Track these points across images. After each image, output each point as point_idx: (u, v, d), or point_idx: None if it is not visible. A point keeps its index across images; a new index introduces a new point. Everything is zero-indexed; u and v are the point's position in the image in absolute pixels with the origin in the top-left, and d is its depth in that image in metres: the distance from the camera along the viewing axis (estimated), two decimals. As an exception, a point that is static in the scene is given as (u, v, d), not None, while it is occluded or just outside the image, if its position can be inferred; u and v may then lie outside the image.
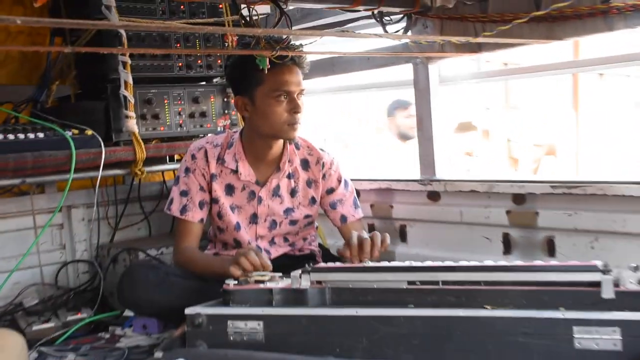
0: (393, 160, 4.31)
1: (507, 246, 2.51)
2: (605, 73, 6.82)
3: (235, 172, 2.40)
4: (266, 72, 2.21)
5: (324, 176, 2.47)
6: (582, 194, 2.26)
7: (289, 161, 2.42)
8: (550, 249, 2.39)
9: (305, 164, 2.47)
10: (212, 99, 2.98)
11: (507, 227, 2.51)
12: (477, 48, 2.40)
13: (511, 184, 2.46)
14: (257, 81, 2.27)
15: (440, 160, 2.72)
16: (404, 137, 4.38)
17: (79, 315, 2.58)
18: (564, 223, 2.33)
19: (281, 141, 2.38)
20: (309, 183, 2.47)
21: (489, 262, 1.85)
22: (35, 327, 2.46)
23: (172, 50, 2.83)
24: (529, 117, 8.50)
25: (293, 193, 2.45)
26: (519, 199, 2.46)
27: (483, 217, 2.56)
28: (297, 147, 2.47)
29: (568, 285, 1.66)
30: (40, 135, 2.51)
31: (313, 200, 2.48)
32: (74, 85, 2.95)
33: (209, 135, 2.51)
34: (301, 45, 2.25)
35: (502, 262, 1.85)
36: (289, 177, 2.45)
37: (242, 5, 2.06)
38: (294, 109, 2.25)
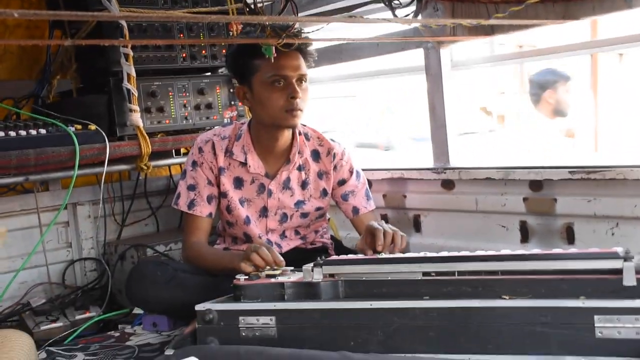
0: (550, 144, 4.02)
1: (525, 234, 2.51)
2: (625, 53, 6.76)
3: (244, 164, 2.41)
4: (263, 58, 2.22)
5: (335, 167, 2.48)
6: (602, 179, 2.26)
7: (299, 152, 2.43)
8: (569, 236, 2.39)
9: (315, 155, 2.48)
10: (217, 90, 2.99)
11: (524, 215, 2.51)
12: (490, 30, 2.39)
13: (528, 170, 2.45)
14: (254, 69, 2.28)
15: (453, 147, 2.72)
16: (559, 113, 4.11)
17: (87, 314, 2.61)
18: (583, 209, 2.33)
19: (288, 132, 2.39)
20: (320, 175, 2.48)
21: (506, 251, 1.85)
22: (43, 327, 2.49)
23: (175, 41, 2.84)
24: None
25: (304, 185, 2.46)
26: (536, 185, 2.45)
27: (499, 205, 2.56)
28: (307, 138, 2.48)
29: (588, 273, 1.65)
30: (43, 131, 2.53)
31: (324, 192, 2.49)
32: (76, 79, 2.97)
33: (216, 127, 2.52)
34: (306, 33, 2.25)
35: (520, 251, 1.84)
36: (299, 169, 2.45)
37: (246, -8, 2.07)
38: (291, 93, 2.25)
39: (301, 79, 2.29)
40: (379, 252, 2.05)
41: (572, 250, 1.84)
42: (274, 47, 2.12)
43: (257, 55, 2.25)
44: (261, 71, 2.27)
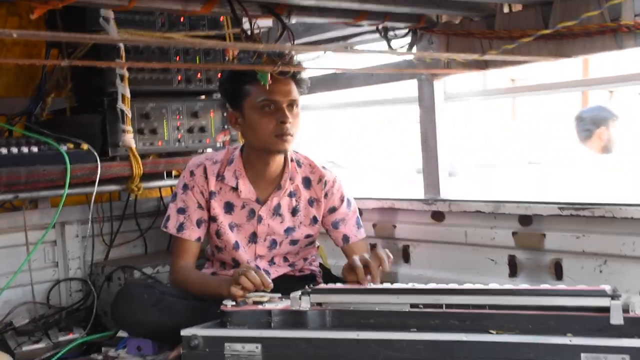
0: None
1: (513, 269, 2.52)
2: (615, 90, 6.85)
3: (235, 189, 2.42)
4: (254, 84, 2.24)
5: (325, 195, 2.49)
6: (591, 215, 2.27)
7: (290, 179, 2.44)
8: (557, 272, 2.40)
9: (307, 182, 2.49)
10: (211, 114, 3.01)
11: (513, 249, 2.52)
12: (484, 65, 2.43)
13: (517, 204, 2.47)
14: (245, 93, 2.31)
15: (444, 179, 2.74)
16: (607, 150, 4.08)
17: (71, 336, 2.58)
18: (572, 246, 2.34)
19: (280, 157, 2.40)
20: (310, 202, 2.49)
21: (494, 285, 1.86)
22: (25, 348, 2.46)
23: (171, 65, 2.86)
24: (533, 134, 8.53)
25: (294, 212, 2.47)
26: (525, 220, 2.47)
27: (489, 238, 2.57)
28: (299, 165, 2.49)
29: (576, 310, 1.67)
30: (35, 149, 2.52)
31: (315, 220, 2.49)
32: (70, 98, 2.97)
33: (209, 151, 2.53)
34: (300, 62, 2.28)
35: (508, 285, 1.86)
36: (290, 195, 2.46)
37: (244, 19, 2.10)
38: (281, 118, 2.26)
39: (292, 104, 2.30)
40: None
41: (560, 286, 1.86)
42: (269, 74, 2.14)
43: (249, 80, 2.28)
44: (252, 96, 2.29)
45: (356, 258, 2.11)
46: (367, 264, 2.07)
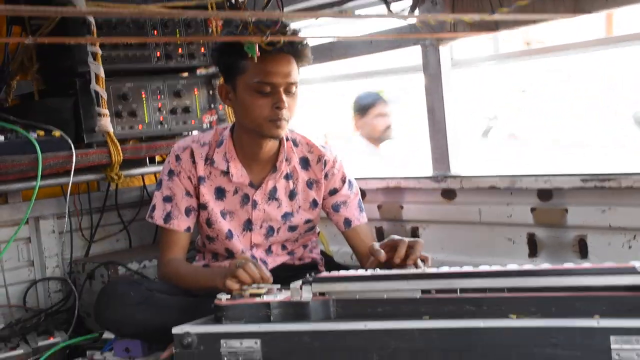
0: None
1: (533, 248, 2.53)
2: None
3: (226, 173, 2.42)
4: (251, 59, 2.23)
5: (326, 176, 2.50)
6: (617, 187, 2.28)
7: (286, 160, 2.44)
8: (581, 249, 2.41)
9: (304, 163, 2.49)
10: (195, 92, 3.00)
11: (532, 227, 2.53)
12: (494, 26, 2.42)
13: (535, 178, 2.47)
14: (240, 69, 2.29)
15: (454, 153, 2.74)
16: (379, 140, 4.26)
17: (51, 340, 2.60)
18: (597, 220, 2.35)
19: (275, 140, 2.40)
20: (309, 184, 2.49)
21: (512, 267, 1.87)
22: (1, 356, 2.47)
23: (148, 39, 2.85)
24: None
25: (292, 196, 2.47)
26: (545, 194, 2.47)
27: (505, 216, 2.58)
28: (296, 144, 2.49)
29: (603, 290, 1.67)
30: (0, 137, 2.52)
31: (314, 203, 2.50)
32: (37, 81, 2.96)
33: (195, 133, 2.53)
34: (296, 30, 2.26)
35: (528, 266, 1.86)
36: (286, 177, 2.46)
37: (227, -16, 2.09)
38: (277, 103, 2.25)
39: (290, 86, 2.28)
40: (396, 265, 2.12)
41: (585, 264, 1.86)
42: (257, 46, 2.13)
43: (244, 55, 2.25)
44: (247, 74, 2.27)
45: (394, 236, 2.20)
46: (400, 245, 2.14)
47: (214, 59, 2.45)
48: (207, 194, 2.43)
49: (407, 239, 2.18)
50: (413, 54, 2.88)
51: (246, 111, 2.30)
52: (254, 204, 2.44)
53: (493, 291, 1.76)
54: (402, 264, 2.14)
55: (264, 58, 2.20)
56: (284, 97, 2.25)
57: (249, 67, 2.26)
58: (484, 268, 1.87)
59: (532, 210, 2.51)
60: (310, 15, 2.52)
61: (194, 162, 2.42)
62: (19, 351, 2.51)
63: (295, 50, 2.28)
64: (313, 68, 3.29)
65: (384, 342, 1.67)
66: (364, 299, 1.83)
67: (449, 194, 2.75)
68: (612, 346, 1.52)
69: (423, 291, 1.81)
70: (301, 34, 2.34)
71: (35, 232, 3.06)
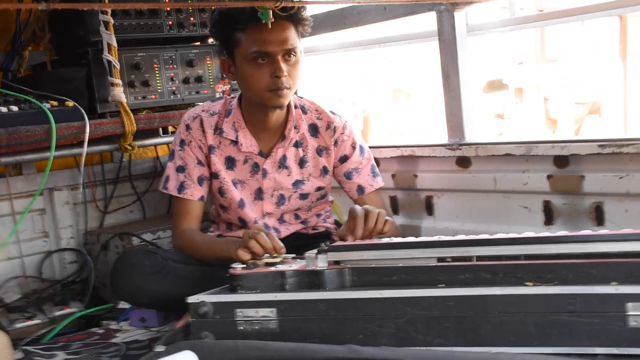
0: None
1: (549, 215, 2.51)
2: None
3: (236, 142, 2.41)
4: (245, 30, 2.21)
5: (335, 142, 2.48)
6: (635, 152, 2.24)
7: (295, 127, 2.43)
8: (598, 216, 2.39)
9: (314, 130, 2.47)
10: (208, 62, 2.99)
11: (548, 194, 2.50)
12: (509, -11, 2.38)
13: (552, 144, 2.44)
14: (235, 42, 2.27)
15: (469, 121, 2.71)
16: None
17: (67, 310, 2.62)
18: (614, 187, 2.32)
19: (280, 109, 2.38)
20: (319, 151, 2.48)
21: (528, 234, 1.86)
22: (18, 325, 2.50)
23: (160, 5, 2.83)
24: (569, 71, 8.42)
25: (302, 163, 2.46)
26: (561, 161, 2.45)
27: (521, 183, 2.56)
28: (304, 111, 2.47)
29: (620, 256, 1.65)
30: (14, 108, 2.52)
31: (325, 170, 2.49)
32: (50, 51, 2.95)
33: (205, 102, 2.51)
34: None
35: (544, 233, 1.84)
36: (296, 145, 2.45)
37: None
38: (275, 72, 2.23)
39: (289, 53, 2.25)
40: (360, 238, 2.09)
41: (603, 231, 1.84)
42: (270, 12, 2.10)
43: (239, 28, 2.23)
44: (243, 45, 2.25)
45: (357, 207, 2.14)
46: (368, 215, 2.10)
47: (212, 34, 2.44)
48: (218, 163, 2.42)
49: (366, 210, 2.13)
50: (426, 22, 2.84)
51: (246, 83, 2.29)
52: (264, 173, 2.43)
53: (509, 259, 1.75)
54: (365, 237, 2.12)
55: (257, 27, 2.18)
56: (282, 65, 2.23)
57: (244, 38, 2.24)
58: (499, 236, 1.86)
59: (549, 177, 2.48)
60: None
61: (203, 131, 2.41)
62: (36, 321, 2.54)
63: (295, 17, 2.24)
64: (325, 37, 3.27)
65: (400, 310, 1.67)
66: (379, 267, 1.83)
67: (464, 162, 2.72)
68: (629, 313, 1.51)
69: (439, 259, 1.80)
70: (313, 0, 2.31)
71: (50, 203, 3.07)
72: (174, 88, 2.90)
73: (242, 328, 1.77)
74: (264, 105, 2.31)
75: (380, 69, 9.10)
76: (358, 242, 2.03)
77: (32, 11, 2.97)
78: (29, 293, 2.84)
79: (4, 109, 2.49)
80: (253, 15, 2.14)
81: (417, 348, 1.64)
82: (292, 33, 2.25)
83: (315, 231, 2.57)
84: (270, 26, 2.15)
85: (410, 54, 8.49)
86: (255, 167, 2.43)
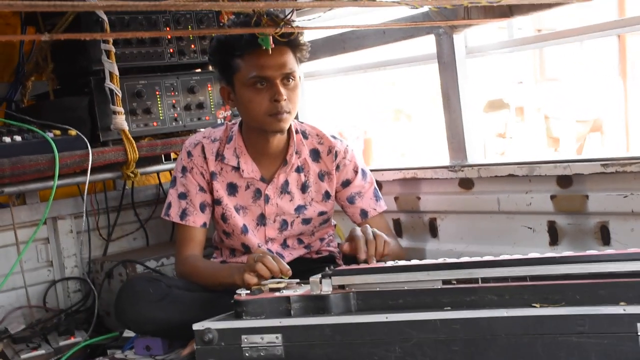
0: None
1: (554, 236, 2.50)
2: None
3: (237, 169, 2.41)
4: (244, 57, 2.23)
5: (337, 167, 2.48)
6: (639, 171, 2.24)
7: (296, 153, 2.43)
8: (604, 236, 2.38)
9: (315, 155, 2.47)
10: (209, 88, 2.99)
11: (552, 215, 2.49)
12: (509, 12, 2.38)
13: (555, 164, 2.44)
14: (234, 68, 2.29)
15: (471, 142, 2.71)
16: None
17: (72, 340, 2.60)
18: (619, 206, 2.31)
19: (281, 132, 2.38)
20: (321, 176, 2.47)
21: (534, 255, 1.84)
22: (23, 356, 2.48)
23: (161, 33, 2.84)
24: (570, 90, 8.45)
25: (304, 188, 2.46)
26: (564, 181, 2.44)
27: (524, 204, 2.55)
28: (305, 136, 2.47)
29: (628, 276, 1.65)
30: (18, 138, 2.52)
31: (327, 195, 2.48)
32: (52, 81, 2.96)
33: (206, 129, 2.51)
34: (301, 20, 2.24)
35: (550, 254, 1.83)
36: (298, 170, 2.45)
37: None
38: (274, 96, 2.24)
39: (288, 77, 2.26)
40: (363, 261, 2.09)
41: (609, 251, 1.83)
42: (271, 38, 2.11)
43: (238, 54, 2.25)
44: (242, 71, 2.27)
45: (357, 229, 2.15)
46: (370, 237, 2.11)
47: (211, 62, 2.45)
48: (220, 189, 2.42)
49: (368, 233, 2.14)
50: (426, 45, 2.85)
51: (246, 109, 2.30)
52: (267, 199, 2.42)
53: (515, 280, 1.74)
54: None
55: (256, 52, 2.20)
56: (281, 89, 2.24)
57: (243, 64, 2.26)
58: (505, 257, 1.85)
59: (552, 197, 2.48)
60: (325, 5, 2.47)
61: (205, 158, 2.42)
62: (41, 351, 2.51)
63: (293, 42, 2.26)
64: (325, 61, 3.28)
65: (406, 334, 1.66)
66: (384, 291, 1.82)
67: (466, 184, 2.72)
68: (640, 333, 1.50)
69: (444, 281, 1.79)
70: (313, 25, 2.32)
71: (54, 232, 3.06)
72: (175, 115, 2.91)
73: (247, 355, 1.76)
74: (265, 130, 2.32)
75: (381, 92, 9.15)
76: (362, 265, 2.02)
77: (35, 42, 2.99)
78: (33, 323, 2.82)
79: (8, 139, 2.50)
80: (251, 41, 2.15)
81: (425, 372, 1.63)
82: (290, 58, 2.27)
83: (319, 255, 2.56)
84: (270, 52, 2.16)
85: (412, 76, 8.54)
86: (257, 193, 2.43)
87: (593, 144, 8.37)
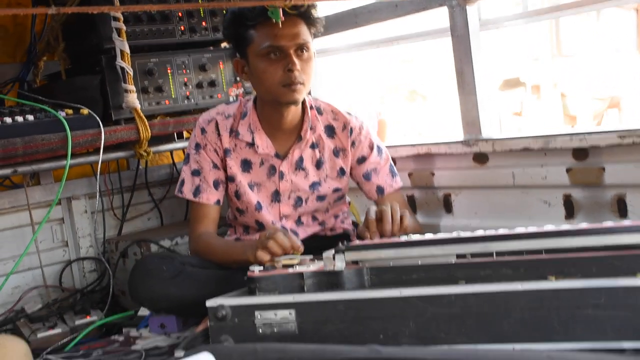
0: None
1: (570, 209, 2.47)
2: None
3: (252, 145, 2.39)
4: (257, 28, 2.21)
5: (353, 143, 2.45)
6: (656, 142, 2.21)
7: (311, 128, 2.41)
8: (620, 208, 2.34)
9: (330, 131, 2.45)
10: (221, 66, 2.98)
11: (568, 188, 2.46)
12: (522, -18, 2.34)
13: (570, 137, 2.40)
14: (248, 40, 2.27)
15: (485, 116, 2.68)
16: None
17: (88, 319, 2.61)
18: (636, 178, 2.27)
19: (296, 107, 2.36)
20: (336, 152, 2.45)
21: (549, 227, 1.82)
22: (40, 335, 2.49)
23: (171, 6, 2.81)
24: (586, 66, 8.34)
25: (319, 165, 2.44)
26: (580, 154, 2.41)
27: (539, 178, 2.52)
28: (320, 112, 2.45)
29: (644, 247, 1.62)
30: (30, 117, 2.53)
31: (342, 172, 2.46)
32: (64, 60, 2.96)
33: (220, 105, 2.50)
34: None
35: (565, 227, 1.81)
36: (312, 146, 2.43)
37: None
38: (288, 66, 2.21)
39: (301, 48, 2.24)
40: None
41: (625, 223, 1.80)
42: (280, 10, 2.09)
43: (251, 25, 2.23)
44: (255, 42, 2.25)
45: (372, 208, 2.16)
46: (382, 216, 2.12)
47: (225, 36, 2.44)
48: (234, 166, 2.40)
49: (381, 211, 2.15)
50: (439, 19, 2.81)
51: (260, 80, 2.27)
52: (281, 175, 2.41)
53: (530, 253, 1.72)
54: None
55: (270, 23, 2.18)
56: (295, 59, 2.22)
57: (256, 36, 2.24)
58: (519, 230, 1.82)
59: (568, 170, 2.44)
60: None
61: (219, 134, 2.40)
62: (57, 330, 2.53)
63: (306, 15, 2.24)
64: (338, 37, 3.25)
65: (420, 309, 1.64)
66: (398, 266, 1.80)
67: (480, 158, 2.69)
68: (657, 305, 1.48)
69: (458, 256, 1.78)
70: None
71: (68, 212, 3.08)
72: (187, 93, 2.89)
73: (261, 331, 1.75)
74: (279, 102, 2.30)
75: (396, 70, 9.08)
76: (376, 241, 2.00)
77: (46, 22, 2.98)
78: (49, 302, 2.84)
79: (20, 119, 2.50)
80: (264, 11, 2.14)
81: (439, 347, 1.61)
82: (303, 29, 2.24)
83: (333, 232, 2.54)
84: (281, 24, 2.14)
85: (429, 53, 8.46)
86: (272, 169, 2.41)
87: (611, 121, 8.27)
